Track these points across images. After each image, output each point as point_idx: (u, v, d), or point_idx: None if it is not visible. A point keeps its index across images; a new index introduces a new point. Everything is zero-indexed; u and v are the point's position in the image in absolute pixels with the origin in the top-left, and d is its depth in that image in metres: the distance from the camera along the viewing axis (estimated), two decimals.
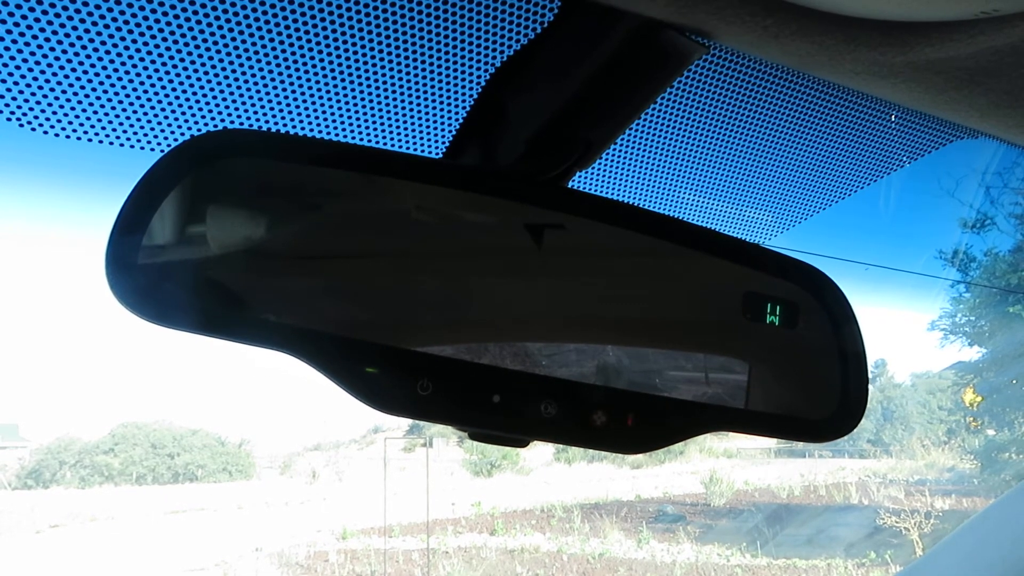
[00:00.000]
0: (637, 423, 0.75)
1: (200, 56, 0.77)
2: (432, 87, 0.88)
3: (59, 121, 0.79)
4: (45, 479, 22.13)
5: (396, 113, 0.91)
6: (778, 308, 0.83)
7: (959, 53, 0.67)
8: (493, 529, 14.56)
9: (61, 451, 23.20)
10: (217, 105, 0.84)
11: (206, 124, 0.86)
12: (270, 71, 0.81)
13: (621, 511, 16.34)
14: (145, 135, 0.84)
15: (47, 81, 0.75)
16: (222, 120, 0.87)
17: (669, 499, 17.95)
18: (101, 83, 0.77)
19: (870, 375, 0.85)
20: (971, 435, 17.54)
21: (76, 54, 0.73)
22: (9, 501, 18.24)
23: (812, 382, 0.87)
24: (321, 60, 0.81)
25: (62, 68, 0.74)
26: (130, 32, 0.72)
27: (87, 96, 0.78)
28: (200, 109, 0.84)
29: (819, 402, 0.85)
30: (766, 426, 0.85)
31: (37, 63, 0.73)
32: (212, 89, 0.82)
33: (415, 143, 0.96)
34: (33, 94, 0.76)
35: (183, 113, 0.84)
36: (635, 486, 19.51)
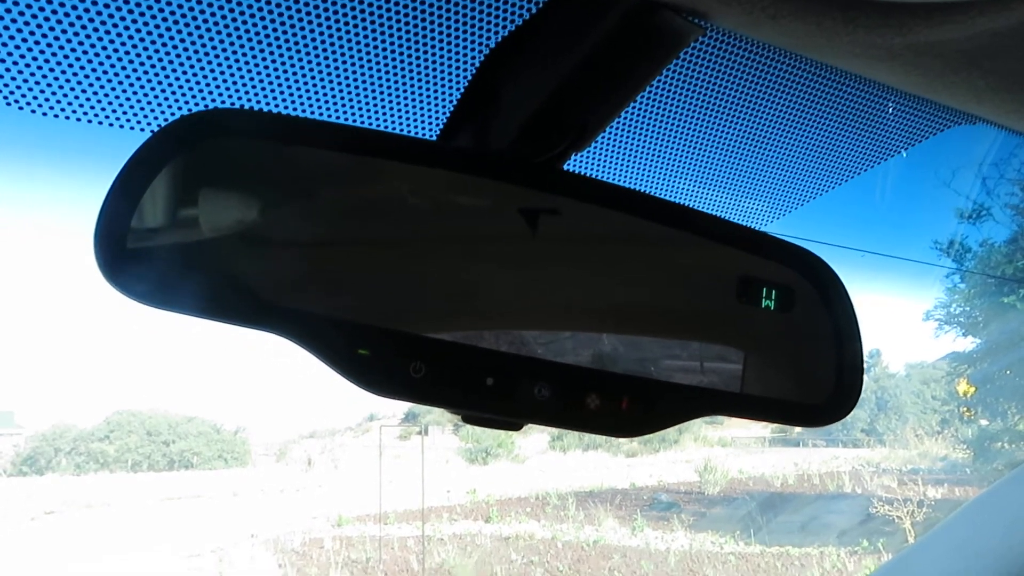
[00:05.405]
0: (631, 406, 0.75)
1: (191, 34, 0.76)
2: (426, 69, 0.87)
3: (47, 100, 0.78)
4: (40, 466, 22.14)
5: (390, 94, 0.90)
6: (773, 292, 0.82)
7: (958, 35, 0.66)
8: (488, 516, 14.60)
9: (56, 438, 23.20)
10: (208, 84, 0.83)
11: (196, 103, 0.85)
12: (262, 51, 0.80)
13: (616, 499, 16.40)
14: (135, 114, 0.83)
15: (35, 59, 0.74)
16: (212, 100, 0.86)
17: (664, 487, 18.01)
18: (90, 61, 0.76)
19: (864, 365, 0.85)
20: (964, 425, 17.62)
21: (64, 31, 0.72)
22: (4, 488, 18.25)
23: (807, 367, 0.87)
24: (314, 40, 0.80)
25: (50, 46, 0.73)
26: (118, 9, 0.71)
27: (75, 75, 0.77)
28: (191, 88, 0.83)
29: (814, 387, 0.85)
30: (761, 410, 0.84)
31: (24, 40, 0.72)
32: (203, 68, 0.81)
33: (409, 125, 0.95)
34: (20, 72, 0.75)
35: (172, 92, 0.83)
36: (630, 474, 19.57)
